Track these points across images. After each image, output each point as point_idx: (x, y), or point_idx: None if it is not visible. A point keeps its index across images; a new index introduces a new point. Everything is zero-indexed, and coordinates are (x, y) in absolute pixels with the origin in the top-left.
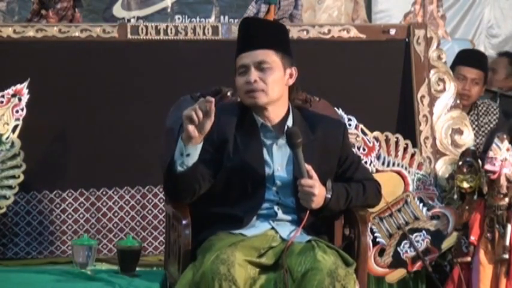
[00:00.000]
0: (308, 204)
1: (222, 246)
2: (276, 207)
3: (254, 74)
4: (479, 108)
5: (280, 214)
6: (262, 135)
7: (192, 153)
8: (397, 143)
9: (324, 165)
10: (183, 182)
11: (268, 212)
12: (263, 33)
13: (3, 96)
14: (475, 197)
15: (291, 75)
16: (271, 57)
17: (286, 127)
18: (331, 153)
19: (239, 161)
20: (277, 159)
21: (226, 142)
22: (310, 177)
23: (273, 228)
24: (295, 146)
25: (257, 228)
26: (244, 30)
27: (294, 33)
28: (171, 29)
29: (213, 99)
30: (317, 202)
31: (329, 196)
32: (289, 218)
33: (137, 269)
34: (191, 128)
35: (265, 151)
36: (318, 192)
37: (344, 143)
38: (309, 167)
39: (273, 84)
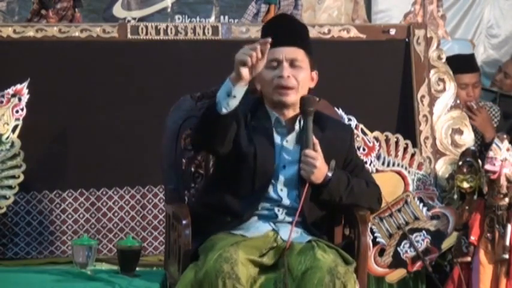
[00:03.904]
0: (308, 176)
1: (225, 245)
2: (276, 209)
3: (287, 70)
4: None
5: (281, 216)
6: (274, 130)
7: (237, 96)
8: (397, 143)
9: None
10: (223, 124)
11: (269, 214)
12: (296, 31)
13: (3, 96)
14: (475, 197)
15: (312, 78)
16: (303, 56)
17: (297, 122)
18: (338, 154)
19: (249, 154)
20: (285, 155)
21: (239, 135)
22: (315, 150)
23: (273, 229)
24: (307, 113)
25: (258, 229)
26: (279, 25)
27: None
28: (171, 29)
29: (270, 40)
30: (317, 176)
31: (330, 175)
32: (289, 219)
33: (137, 269)
34: (244, 71)
35: (275, 146)
36: (320, 165)
37: (351, 145)
38: (316, 141)
39: (303, 83)
